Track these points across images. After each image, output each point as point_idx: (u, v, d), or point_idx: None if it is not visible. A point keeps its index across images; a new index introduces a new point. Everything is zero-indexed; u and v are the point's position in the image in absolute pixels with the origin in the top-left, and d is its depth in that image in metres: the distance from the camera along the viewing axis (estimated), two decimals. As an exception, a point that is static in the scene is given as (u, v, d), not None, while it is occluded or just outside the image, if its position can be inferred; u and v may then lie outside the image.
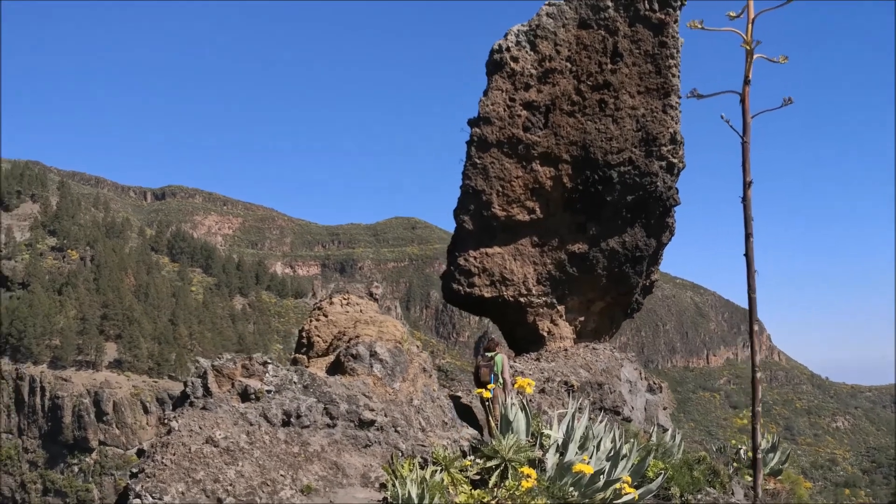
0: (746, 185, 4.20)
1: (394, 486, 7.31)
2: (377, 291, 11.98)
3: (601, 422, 9.35)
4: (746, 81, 4.25)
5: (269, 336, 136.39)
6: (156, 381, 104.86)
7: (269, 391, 8.35)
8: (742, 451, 12.51)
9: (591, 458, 8.23)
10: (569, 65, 13.81)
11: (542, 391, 12.02)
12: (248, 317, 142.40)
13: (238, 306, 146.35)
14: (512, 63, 13.93)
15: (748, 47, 4.16)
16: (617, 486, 7.99)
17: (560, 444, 8.58)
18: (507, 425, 8.89)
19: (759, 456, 4.08)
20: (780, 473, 12.50)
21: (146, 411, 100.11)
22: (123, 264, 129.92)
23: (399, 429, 8.67)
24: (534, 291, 14.27)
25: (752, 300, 4.18)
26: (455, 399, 10.83)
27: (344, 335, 10.38)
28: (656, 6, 13.50)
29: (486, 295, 14.32)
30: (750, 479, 11.69)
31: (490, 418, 9.58)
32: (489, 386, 9.76)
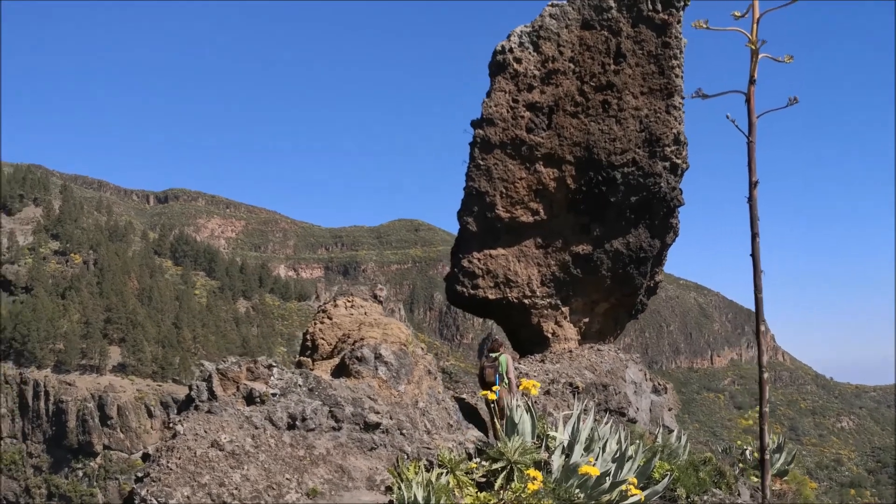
0: (752, 185, 4.16)
1: (399, 489, 7.30)
2: (381, 294, 11.97)
3: (606, 423, 9.32)
4: (752, 81, 4.22)
5: (272, 339, 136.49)
6: (160, 385, 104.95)
7: (274, 394, 8.34)
8: (748, 452, 12.47)
9: (596, 459, 8.21)
10: (572, 66, 13.80)
11: (547, 393, 12.00)
12: (252, 320, 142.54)
13: (241, 309, 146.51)
14: (515, 64, 13.92)
15: (753, 47, 4.13)
16: (623, 487, 7.97)
17: (566, 445, 8.56)
18: (512, 427, 8.87)
19: (767, 457, 4.06)
20: (787, 474, 12.45)
21: (150, 415, 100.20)
22: (127, 268, 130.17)
23: (404, 431, 8.65)
24: (538, 293, 14.24)
25: (758, 300, 4.14)
26: (460, 401, 10.82)
27: (348, 338, 10.37)
28: (659, 7, 13.48)
29: (491, 297, 14.30)
30: (756, 479, 11.65)
31: (495, 420, 9.56)
32: (494, 388, 9.74)
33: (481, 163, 14.11)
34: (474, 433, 9.72)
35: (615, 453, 8.40)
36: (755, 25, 4.01)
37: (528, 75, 13.87)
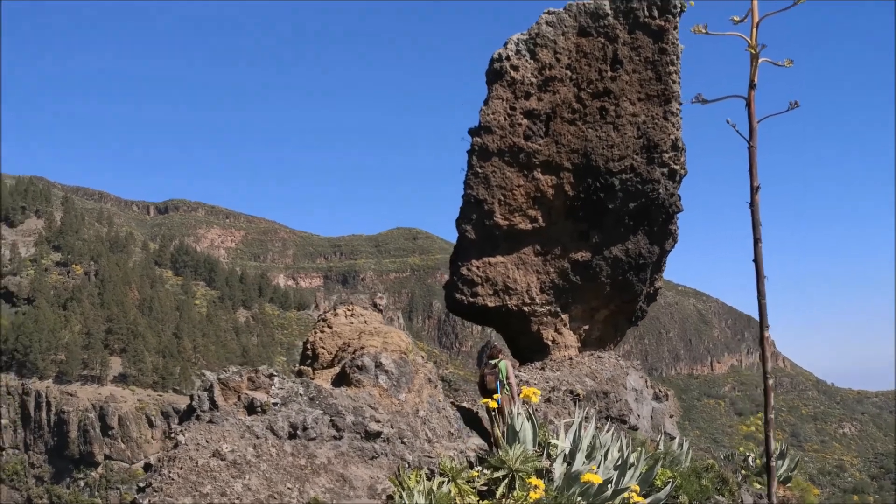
0: (754, 190, 4.17)
1: (401, 497, 7.28)
2: (381, 302, 11.98)
3: (608, 431, 9.31)
4: (752, 85, 4.23)
5: (272, 348, 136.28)
6: (160, 395, 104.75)
7: (275, 404, 8.34)
8: (750, 459, 12.44)
9: (598, 467, 8.19)
10: (569, 73, 13.86)
11: (548, 400, 11.97)
12: (252, 329, 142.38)
13: (241, 319, 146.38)
14: (512, 72, 13.98)
15: (753, 51, 4.15)
16: (625, 495, 7.95)
17: (567, 453, 8.54)
18: (513, 435, 8.85)
19: (774, 464, 4.06)
20: (790, 481, 12.42)
21: (151, 425, 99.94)
22: (127, 278, 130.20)
23: (405, 440, 8.64)
24: (537, 300, 14.24)
25: (762, 306, 4.13)
26: (460, 409, 10.80)
27: (349, 346, 10.37)
28: (656, 13, 13.55)
29: (490, 304, 14.30)
30: (759, 486, 11.62)
31: (496, 428, 9.55)
32: (495, 396, 9.72)
33: (479, 171, 14.15)
34: (475, 441, 9.70)
35: (617, 461, 8.38)
36: (755, 30, 4.03)
37: (526, 83, 13.93)
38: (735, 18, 4.06)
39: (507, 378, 10.05)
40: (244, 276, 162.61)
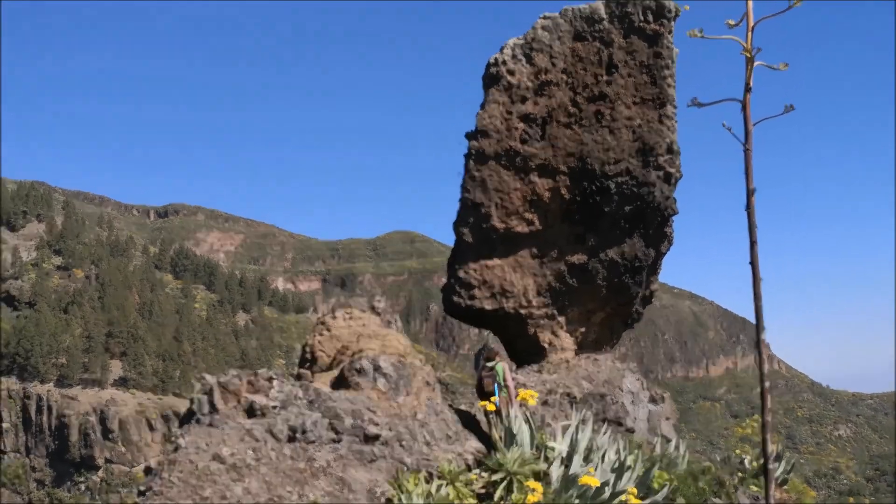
0: (750, 193, 4.24)
1: (399, 500, 7.35)
2: (379, 305, 12.04)
3: (604, 433, 9.37)
4: (747, 89, 4.29)
5: (271, 351, 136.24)
6: (161, 399, 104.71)
7: (274, 407, 8.40)
8: (747, 461, 12.47)
9: (596, 470, 8.24)
10: (565, 77, 13.94)
11: (545, 403, 12.03)
12: (251, 333, 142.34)
13: (241, 322, 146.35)
14: (508, 76, 14.07)
15: (748, 55, 4.21)
16: (622, 497, 8.01)
17: (564, 456, 8.60)
18: (511, 438, 8.91)
19: (772, 467, 4.12)
20: (786, 483, 12.45)
21: (151, 428, 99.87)
22: (128, 282, 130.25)
23: (404, 443, 8.70)
24: (534, 303, 14.31)
25: (758, 309, 4.19)
26: (458, 411, 10.86)
27: (347, 349, 10.44)
28: (650, 17, 13.64)
29: (487, 307, 14.36)
30: (755, 488, 11.66)
31: (494, 431, 9.61)
32: (492, 398, 9.79)
33: (476, 174, 14.23)
34: (473, 444, 9.75)
35: (614, 463, 8.44)
36: (750, 33, 4.10)
37: (522, 87, 14.02)
38: (730, 22, 4.14)
39: (505, 380, 10.11)
40: (243, 280, 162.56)
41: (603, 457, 8.52)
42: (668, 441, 12.49)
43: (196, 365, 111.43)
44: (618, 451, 8.67)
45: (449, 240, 15.45)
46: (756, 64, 4.07)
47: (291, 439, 8.05)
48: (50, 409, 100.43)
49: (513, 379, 10.62)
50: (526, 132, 13.91)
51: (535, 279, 14.23)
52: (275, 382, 8.79)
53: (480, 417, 10.97)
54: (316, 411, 8.50)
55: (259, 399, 8.48)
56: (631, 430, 12.68)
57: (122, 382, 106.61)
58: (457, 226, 14.62)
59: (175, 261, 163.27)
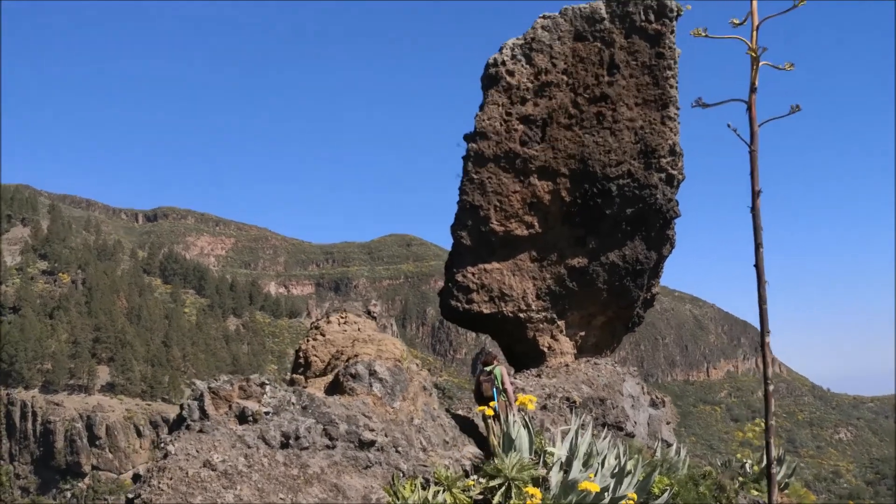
0: (755, 195, 4.10)
1: (396, 507, 7.14)
2: (375, 309, 11.85)
3: (604, 438, 9.23)
4: (753, 89, 4.17)
5: (263, 356, 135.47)
6: (149, 405, 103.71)
7: (267, 413, 8.18)
8: (747, 466, 12.37)
9: (595, 475, 8.10)
10: (565, 77, 13.83)
11: (544, 408, 11.87)
12: (242, 337, 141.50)
13: (232, 327, 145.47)
14: (508, 77, 13.94)
15: (753, 55, 4.09)
16: (623, 503, 7.85)
17: (564, 461, 8.45)
18: (509, 443, 8.75)
19: (774, 471, 3.96)
20: (787, 487, 12.36)
21: (139, 435, 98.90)
22: (115, 287, 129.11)
23: (400, 449, 8.50)
24: (533, 307, 14.15)
25: (762, 311, 4.05)
26: (455, 416, 10.67)
27: (342, 354, 10.23)
28: (652, 17, 13.56)
29: (485, 311, 14.19)
30: (756, 493, 11.55)
31: (492, 436, 9.44)
32: (491, 403, 9.61)
33: (475, 176, 14.08)
34: (471, 449, 9.57)
35: (614, 468, 8.29)
36: (755, 33, 3.97)
37: (521, 88, 13.89)
38: (735, 21, 4.01)
39: (503, 384, 9.95)
40: (234, 284, 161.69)
41: (603, 462, 8.37)
42: (669, 445, 12.37)
43: (186, 370, 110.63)
44: (618, 456, 8.52)
45: (446, 243, 15.35)
46: (761, 64, 3.93)
47: (284, 445, 7.83)
48: (35, 415, 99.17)
49: (511, 383, 10.46)
50: (526, 134, 13.78)
51: (535, 282, 14.08)
52: (267, 388, 8.57)
53: (478, 422, 10.79)
54: (310, 417, 8.29)
55: (251, 405, 8.25)
56: (631, 435, 12.54)
57: (110, 388, 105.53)
58: (455, 229, 14.46)
59: (164, 265, 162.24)
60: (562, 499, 7.96)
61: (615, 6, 13.66)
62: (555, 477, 8.21)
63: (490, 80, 14.11)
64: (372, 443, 8.29)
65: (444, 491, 7.89)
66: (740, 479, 11.81)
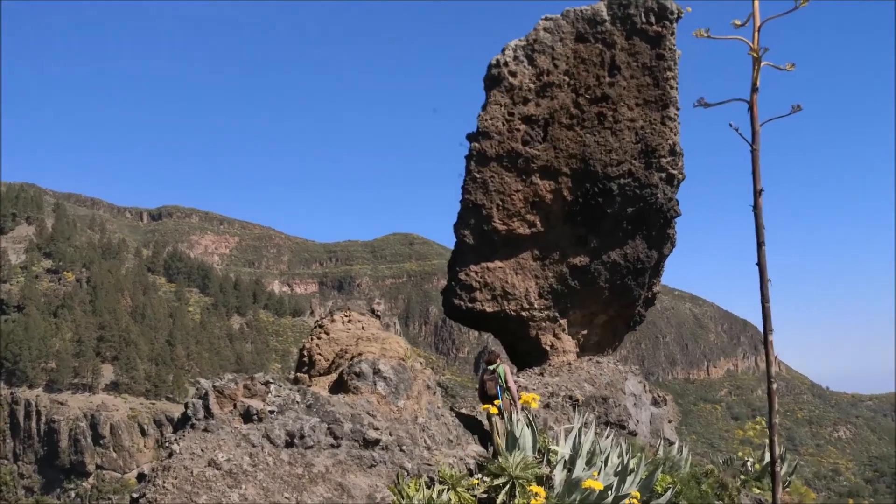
0: (757, 194, 4.14)
1: (401, 506, 7.18)
2: (379, 308, 11.89)
3: (607, 436, 9.26)
4: (754, 89, 4.21)
5: (267, 355, 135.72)
6: (153, 404, 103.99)
7: (271, 411, 8.23)
8: (749, 464, 12.39)
9: (599, 473, 8.13)
10: (567, 78, 13.88)
11: (547, 406, 11.90)
12: (246, 336, 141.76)
13: (236, 326, 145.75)
14: (510, 77, 13.99)
15: (755, 55, 4.12)
16: (626, 501, 7.89)
17: (567, 460, 8.48)
18: (513, 442, 8.78)
19: (778, 469, 3.99)
20: (788, 485, 12.39)
21: (144, 434, 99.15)
22: (120, 285, 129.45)
23: (404, 448, 8.54)
24: (536, 305, 14.19)
25: (766, 310, 4.09)
26: (459, 415, 10.71)
27: (346, 353, 10.27)
28: (653, 19, 13.60)
29: (488, 310, 14.24)
30: (758, 491, 11.58)
31: (496, 435, 9.47)
32: (496, 402, 9.64)
33: (477, 176, 14.13)
34: (475, 448, 9.61)
35: (617, 467, 8.32)
36: (756, 33, 4.00)
37: (524, 88, 13.94)
38: (736, 22, 4.04)
39: (507, 382, 9.98)
40: (238, 283, 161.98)
41: (606, 460, 8.40)
42: (671, 444, 12.40)
43: (190, 369, 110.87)
44: (621, 455, 8.55)
45: (448, 242, 15.36)
46: (763, 64, 3.96)
47: (289, 444, 7.88)
48: (39, 414, 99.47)
49: (514, 382, 10.49)
50: (528, 134, 13.82)
51: (537, 281, 14.12)
52: (272, 387, 8.62)
53: (482, 420, 10.82)
54: (314, 416, 8.33)
55: (256, 404, 8.30)
56: (633, 433, 12.57)
57: (114, 387, 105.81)
58: (457, 228, 14.51)
59: (168, 263, 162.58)
60: (565, 497, 7.99)
61: (616, 8, 13.71)
62: (558, 475, 8.24)
63: (492, 80, 14.16)
64: (376, 441, 8.33)
65: (448, 489, 7.92)
66: (742, 477, 11.84)
